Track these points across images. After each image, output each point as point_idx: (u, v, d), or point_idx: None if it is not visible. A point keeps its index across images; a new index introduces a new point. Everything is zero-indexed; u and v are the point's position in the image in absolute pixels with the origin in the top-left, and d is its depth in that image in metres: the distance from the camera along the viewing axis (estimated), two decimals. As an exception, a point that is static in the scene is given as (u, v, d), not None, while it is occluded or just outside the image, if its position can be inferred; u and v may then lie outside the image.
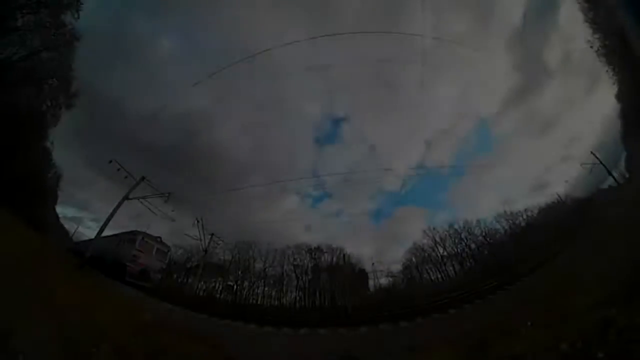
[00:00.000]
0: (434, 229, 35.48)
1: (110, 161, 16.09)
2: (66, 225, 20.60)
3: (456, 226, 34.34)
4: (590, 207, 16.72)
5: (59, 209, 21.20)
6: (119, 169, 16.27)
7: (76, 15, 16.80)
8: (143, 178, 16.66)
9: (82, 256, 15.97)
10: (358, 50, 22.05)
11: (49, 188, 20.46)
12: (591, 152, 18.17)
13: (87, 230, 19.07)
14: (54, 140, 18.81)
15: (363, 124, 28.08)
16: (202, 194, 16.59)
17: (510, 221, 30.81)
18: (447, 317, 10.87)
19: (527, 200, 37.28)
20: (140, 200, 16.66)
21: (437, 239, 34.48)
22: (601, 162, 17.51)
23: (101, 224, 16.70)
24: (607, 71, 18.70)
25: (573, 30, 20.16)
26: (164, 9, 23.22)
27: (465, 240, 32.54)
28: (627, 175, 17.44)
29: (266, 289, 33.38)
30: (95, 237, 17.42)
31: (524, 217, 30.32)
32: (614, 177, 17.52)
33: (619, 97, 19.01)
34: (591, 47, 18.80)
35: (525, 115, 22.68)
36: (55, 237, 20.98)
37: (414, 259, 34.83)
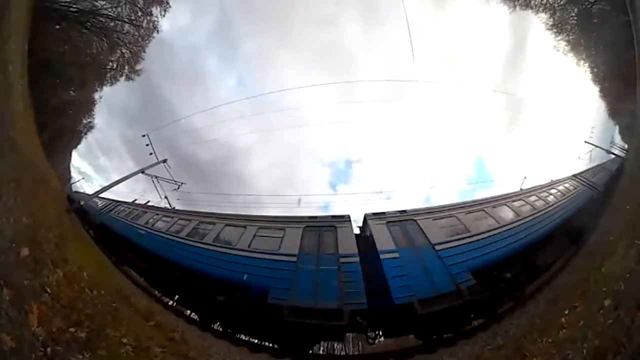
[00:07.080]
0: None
1: (144, 135, 17.14)
2: (73, 173, 20.88)
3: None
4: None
5: (74, 157, 21.66)
6: (147, 145, 17.25)
7: (163, 14, 18.28)
8: (165, 160, 17.58)
9: (73, 203, 16.40)
10: (370, 97, 24.06)
11: (77, 130, 21.34)
12: (585, 142, 17.88)
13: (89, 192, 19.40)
14: (103, 97, 19.91)
15: (374, 168, 29.72)
16: (213, 205, 17.22)
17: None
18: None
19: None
20: (153, 179, 17.41)
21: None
22: (597, 146, 17.44)
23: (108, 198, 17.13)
24: (577, 64, 18.96)
25: (542, 55, 20.76)
26: (232, 59, 26.50)
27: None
28: (626, 146, 16.44)
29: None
30: (97, 193, 17.99)
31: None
32: (614, 154, 17.09)
33: (595, 80, 18.98)
34: (557, 50, 19.25)
35: (517, 143, 23.61)
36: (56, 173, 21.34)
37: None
